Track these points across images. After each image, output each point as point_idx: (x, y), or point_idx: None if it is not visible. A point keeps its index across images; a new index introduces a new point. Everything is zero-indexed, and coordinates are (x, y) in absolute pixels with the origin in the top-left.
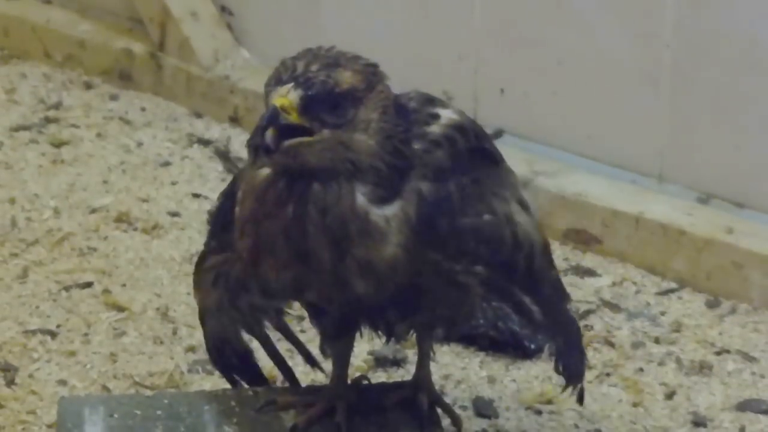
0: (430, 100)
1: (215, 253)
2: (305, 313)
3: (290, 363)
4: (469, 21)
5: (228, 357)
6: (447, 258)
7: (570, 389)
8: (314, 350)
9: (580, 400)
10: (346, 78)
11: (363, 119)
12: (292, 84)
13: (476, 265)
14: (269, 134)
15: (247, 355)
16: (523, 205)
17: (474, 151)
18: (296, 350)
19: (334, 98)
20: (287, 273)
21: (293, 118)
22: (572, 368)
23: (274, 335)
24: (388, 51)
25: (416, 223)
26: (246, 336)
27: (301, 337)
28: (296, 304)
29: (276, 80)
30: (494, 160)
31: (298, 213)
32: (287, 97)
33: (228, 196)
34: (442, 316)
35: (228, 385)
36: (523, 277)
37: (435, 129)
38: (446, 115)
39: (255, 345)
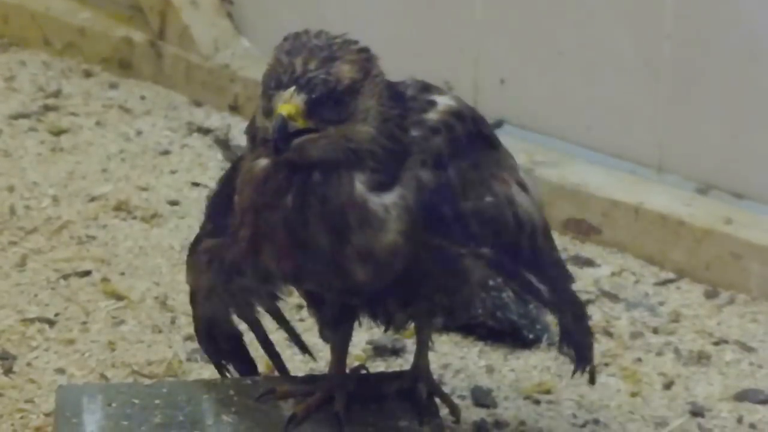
0: (427, 87)
1: (210, 236)
2: (304, 302)
3: (289, 352)
4: (470, 12)
5: (217, 341)
6: (452, 242)
7: (579, 372)
8: (310, 338)
9: (592, 380)
10: (346, 72)
11: (362, 109)
12: (294, 88)
13: (482, 248)
14: (276, 134)
15: (237, 339)
16: (523, 187)
17: (472, 137)
18: (290, 338)
19: (336, 96)
20: (287, 261)
21: (300, 123)
22: (581, 348)
23: (272, 328)
24: (389, 41)
25: (418, 211)
26: (237, 320)
27: (301, 326)
28: (289, 290)
29: (276, 82)
30: (492, 144)
31: (297, 202)
32: (291, 102)
33: (227, 182)
34: (440, 305)
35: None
36: (528, 257)
37: (433, 116)
38: (444, 101)
39: (247, 333)
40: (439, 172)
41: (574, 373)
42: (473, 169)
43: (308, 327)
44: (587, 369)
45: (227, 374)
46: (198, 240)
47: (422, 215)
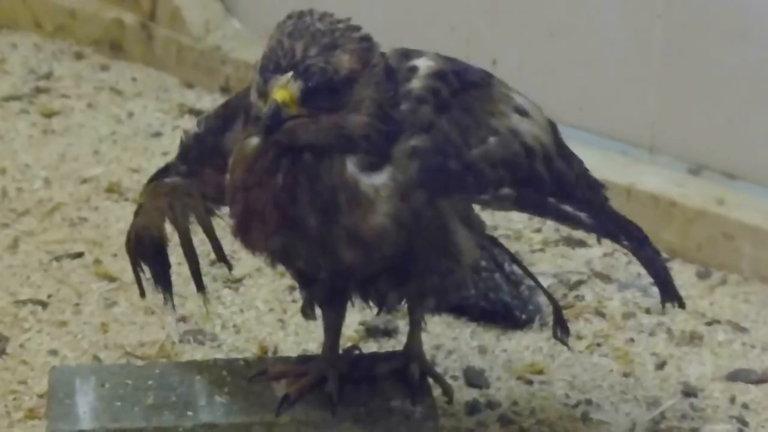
0: (405, 54)
1: (180, 175)
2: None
3: (281, 333)
4: None
5: (144, 246)
6: (471, 193)
7: (669, 303)
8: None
9: (682, 304)
10: (345, 63)
11: (357, 99)
12: (291, 74)
13: (502, 190)
14: (268, 119)
15: (162, 246)
16: (522, 112)
17: (458, 91)
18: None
19: (332, 86)
20: (276, 240)
21: (293, 110)
22: (659, 271)
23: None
24: (380, 22)
25: (421, 177)
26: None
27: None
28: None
29: (275, 65)
30: (481, 83)
31: (287, 181)
32: (287, 88)
33: (212, 132)
34: (433, 286)
35: (218, 355)
36: (550, 183)
37: (416, 84)
38: (423, 64)
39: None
40: (433, 131)
41: (663, 304)
42: (467, 115)
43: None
44: (675, 296)
45: (141, 273)
46: (165, 170)
47: (427, 179)
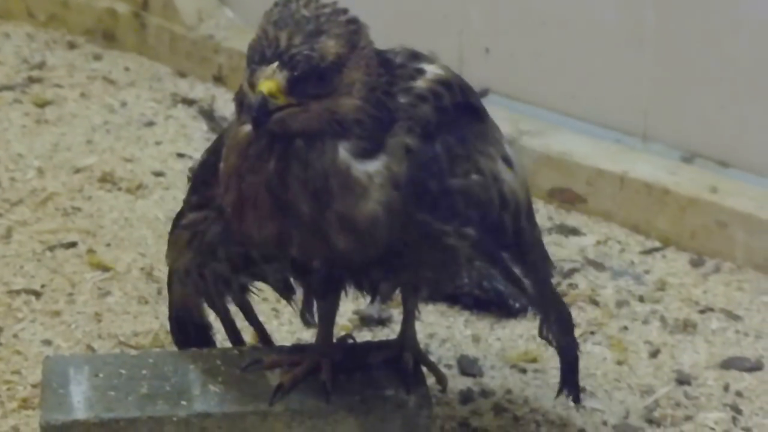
0: (416, 56)
1: (194, 209)
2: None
3: (275, 322)
4: None
5: (187, 331)
6: (437, 219)
7: (564, 394)
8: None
9: (576, 400)
10: (330, 48)
11: (347, 82)
12: (277, 63)
13: (466, 227)
14: (255, 111)
15: (206, 329)
16: (508, 162)
17: (459, 107)
18: (257, 334)
19: (319, 72)
20: (269, 226)
21: (281, 100)
22: (567, 362)
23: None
24: (373, 11)
25: (405, 183)
26: (207, 310)
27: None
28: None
29: (260, 56)
30: (480, 116)
31: (280, 167)
32: (274, 78)
33: (212, 152)
34: (427, 276)
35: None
36: (511, 239)
37: (420, 84)
38: (432, 70)
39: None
40: (427, 143)
41: (558, 395)
42: (460, 144)
43: (282, 322)
44: (571, 392)
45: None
46: (181, 214)
47: (409, 186)
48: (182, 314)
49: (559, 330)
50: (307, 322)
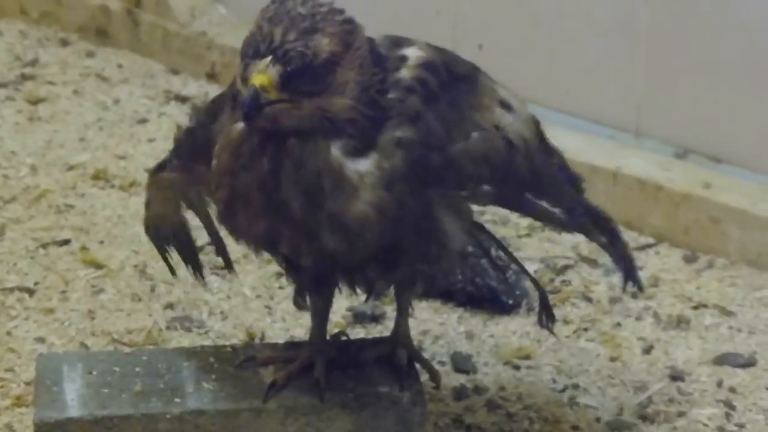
0: (396, 42)
1: (175, 170)
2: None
3: (268, 320)
4: None
5: (164, 230)
6: (450, 189)
7: (630, 285)
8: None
9: (640, 287)
10: (324, 46)
11: (340, 82)
12: (270, 58)
13: (481, 186)
14: (247, 105)
15: (183, 227)
16: (506, 106)
17: (446, 84)
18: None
19: (312, 70)
20: (260, 224)
21: (273, 95)
22: (627, 265)
23: None
24: (366, 6)
25: (405, 169)
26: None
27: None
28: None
29: (254, 51)
30: (469, 78)
31: (272, 165)
32: (266, 73)
33: (203, 126)
34: (420, 273)
35: (205, 342)
36: (530, 180)
37: (405, 73)
38: (413, 54)
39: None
40: (419, 123)
41: (624, 287)
42: (452, 109)
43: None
44: (636, 282)
45: (169, 257)
46: (162, 166)
47: (410, 171)
48: (160, 220)
49: (609, 241)
50: (298, 306)
